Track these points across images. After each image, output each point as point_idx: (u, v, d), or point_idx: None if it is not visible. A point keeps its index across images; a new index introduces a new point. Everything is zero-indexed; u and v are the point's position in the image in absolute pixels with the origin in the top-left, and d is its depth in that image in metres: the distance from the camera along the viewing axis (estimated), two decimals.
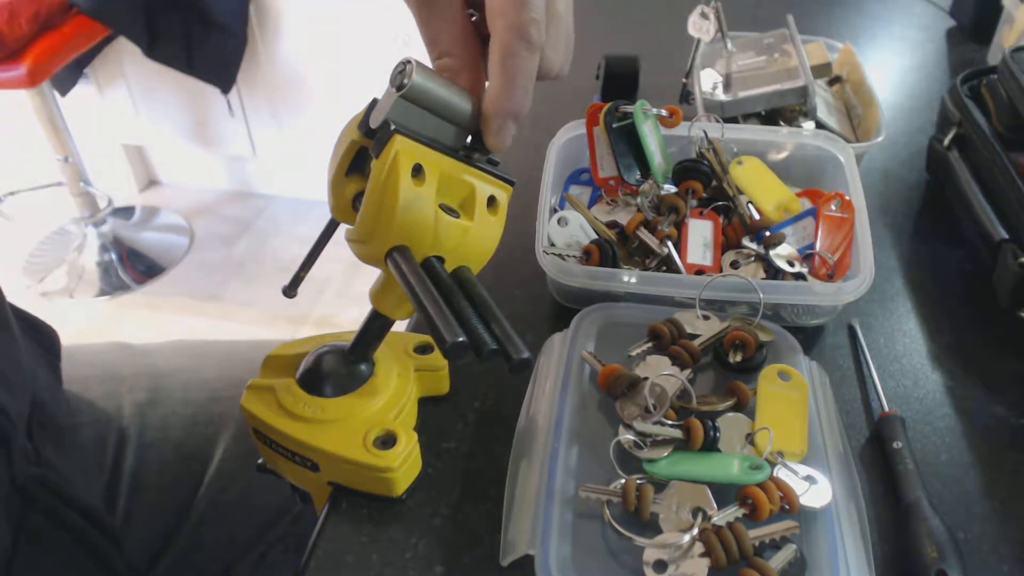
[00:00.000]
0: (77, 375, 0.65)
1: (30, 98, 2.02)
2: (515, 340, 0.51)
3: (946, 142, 0.71)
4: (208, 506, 0.63)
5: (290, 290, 0.50)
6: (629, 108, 0.66)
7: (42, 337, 0.57)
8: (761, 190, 0.66)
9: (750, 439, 0.48)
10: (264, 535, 0.65)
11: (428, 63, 0.41)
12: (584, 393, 0.51)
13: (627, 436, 0.48)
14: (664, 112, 0.66)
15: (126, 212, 2.59)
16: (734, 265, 0.62)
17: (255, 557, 0.65)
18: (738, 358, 0.54)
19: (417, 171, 0.40)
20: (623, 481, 0.45)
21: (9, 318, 0.48)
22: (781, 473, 0.46)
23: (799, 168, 0.70)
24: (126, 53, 2.27)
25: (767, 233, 0.62)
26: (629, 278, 0.58)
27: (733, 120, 0.76)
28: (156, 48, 2.03)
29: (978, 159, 0.67)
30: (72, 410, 0.61)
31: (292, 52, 2.23)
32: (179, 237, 2.50)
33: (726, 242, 0.63)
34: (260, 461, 0.54)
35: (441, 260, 0.43)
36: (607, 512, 0.44)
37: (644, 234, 0.62)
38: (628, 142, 0.67)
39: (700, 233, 0.63)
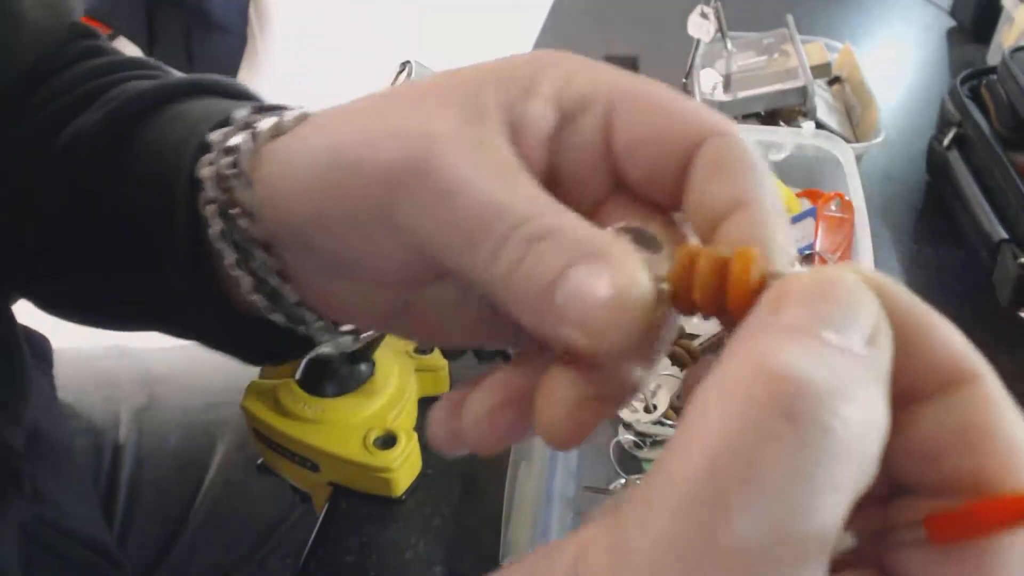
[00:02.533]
0: (74, 380, 0.64)
1: None
2: None
3: (946, 142, 0.71)
4: (206, 514, 0.63)
5: None
6: None
7: (33, 346, 0.56)
8: None
9: None
10: (263, 542, 0.65)
11: (425, 62, 0.41)
12: None
13: (627, 436, 0.48)
14: None
15: None
16: None
17: (254, 565, 0.65)
18: None
19: None
20: (623, 481, 0.45)
21: (21, 344, 0.45)
22: None
23: (799, 168, 0.70)
24: (126, 53, 2.27)
25: None
26: None
27: (733, 120, 0.76)
28: (156, 48, 2.03)
29: (978, 159, 0.67)
30: (67, 419, 0.61)
31: (292, 52, 2.23)
32: None
33: None
34: (260, 461, 0.54)
35: None
36: None
37: None
38: None
39: None
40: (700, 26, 0.80)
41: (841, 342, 0.15)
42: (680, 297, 0.19)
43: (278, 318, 0.29)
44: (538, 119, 0.23)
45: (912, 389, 0.17)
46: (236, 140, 0.27)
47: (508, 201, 0.21)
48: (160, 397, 0.66)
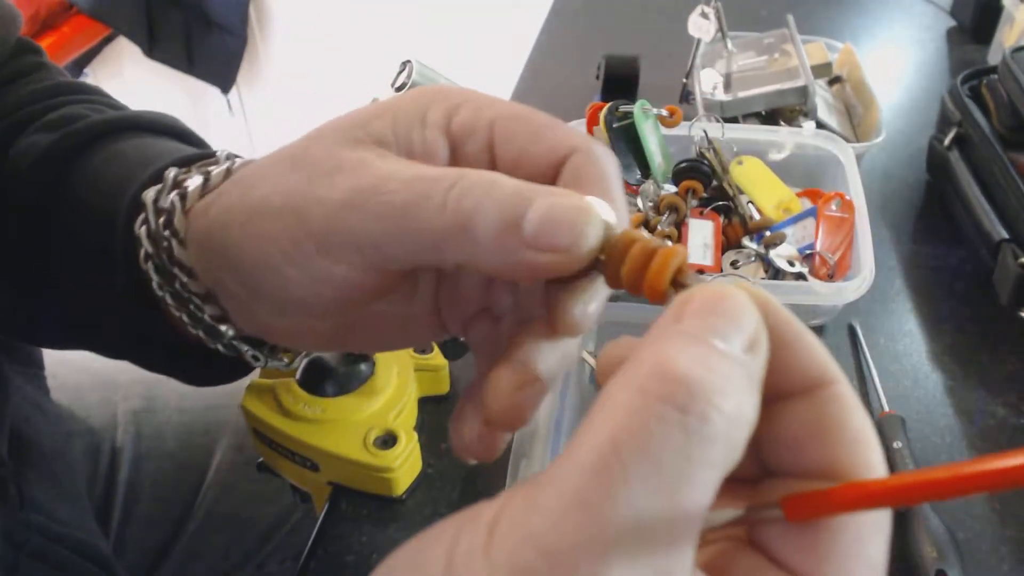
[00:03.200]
0: (71, 381, 0.64)
1: None
2: None
3: (946, 142, 0.71)
4: (205, 517, 0.62)
5: None
6: (629, 108, 0.66)
7: (15, 350, 0.56)
8: (761, 190, 0.66)
9: None
10: (263, 546, 0.64)
11: (426, 62, 0.41)
12: (584, 393, 0.51)
13: None
14: (664, 112, 0.66)
15: None
16: (734, 265, 0.62)
17: (253, 567, 0.65)
18: None
19: None
20: None
21: None
22: None
23: (799, 168, 0.70)
24: (126, 53, 2.27)
25: (767, 233, 0.62)
26: None
27: (733, 120, 0.76)
28: (156, 48, 2.03)
29: (978, 159, 0.67)
30: (62, 420, 0.61)
31: (292, 52, 2.23)
32: None
33: (726, 242, 0.63)
34: (260, 461, 0.54)
35: None
36: None
37: (644, 234, 0.62)
38: (628, 142, 0.67)
39: (700, 233, 0.63)
40: (700, 26, 0.80)
41: (725, 349, 0.18)
42: (611, 269, 0.23)
43: (218, 348, 0.32)
44: (433, 146, 0.26)
45: (782, 388, 0.20)
46: (167, 202, 0.30)
47: (439, 171, 0.24)
48: (159, 398, 0.66)
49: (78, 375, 0.65)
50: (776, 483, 0.21)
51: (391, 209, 0.24)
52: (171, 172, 0.31)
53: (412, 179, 0.24)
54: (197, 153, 0.33)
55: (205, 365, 0.35)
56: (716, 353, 0.18)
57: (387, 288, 0.27)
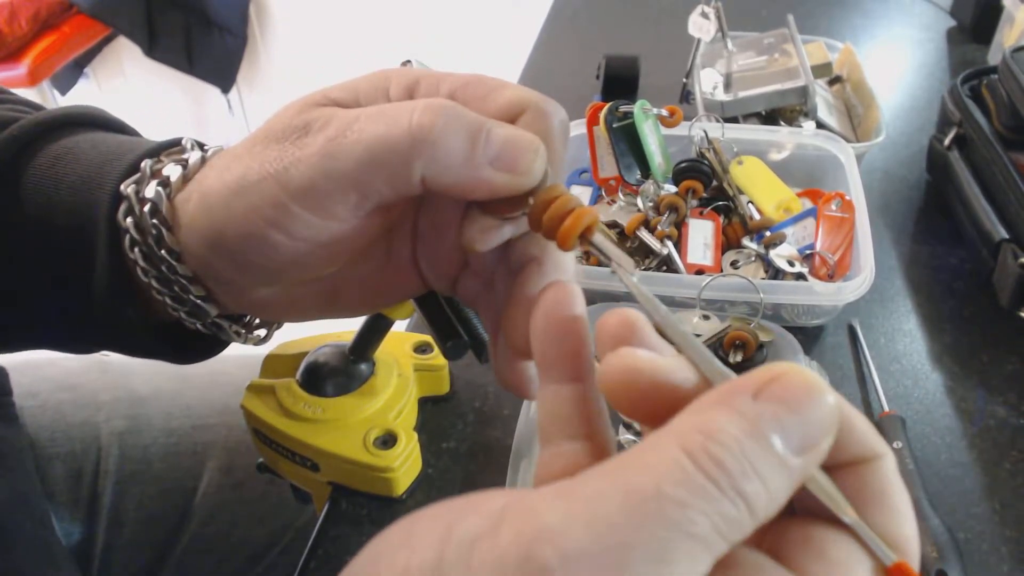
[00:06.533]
0: (52, 400, 0.62)
1: (31, 97, 2.02)
2: None
3: (946, 142, 0.71)
4: (192, 540, 0.61)
5: None
6: (629, 108, 0.66)
7: None
8: (761, 190, 0.66)
9: None
10: (252, 567, 0.63)
11: (426, 62, 0.41)
12: None
13: (627, 436, 0.48)
14: (664, 112, 0.66)
15: None
16: (734, 265, 0.62)
17: None
18: (738, 358, 0.54)
19: None
20: None
21: None
22: None
23: (799, 168, 0.70)
24: (126, 53, 2.27)
25: (767, 233, 0.62)
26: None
27: (733, 120, 0.76)
28: (156, 48, 2.03)
29: (978, 159, 0.67)
30: (39, 448, 0.58)
31: (292, 52, 2.23)
32: None
33: (726, 242, 0.63)
34: (260, 461, 0.54)
35: None
36: None
37: (644, 234, 0.62)
38: (628, 142, 0.67)
39: (700, 233, 0.63)
40: (701, 26, 0.80)
41: (781, 453, 0.19)
42: (535, 213, 0.27)
43: (199, 327, 0.33)
44: None
45: (835, 460, 0.20)
46: (151, 192, 0.30)
47: (400, 103, 0.27)
48: (143, 419, 0.63)
49: (60, 392, 0.63)
50: (795, 522, 0.21)
51: (364, 145, 0.26)
52: (146, 163, 0.32)
53: (376, 113, 0.26)
54: (162, 143, 0.34)
55: (180, 346, 0.36)
56: (769, 456, 0.18)
57: (368, 238, 0.29)
